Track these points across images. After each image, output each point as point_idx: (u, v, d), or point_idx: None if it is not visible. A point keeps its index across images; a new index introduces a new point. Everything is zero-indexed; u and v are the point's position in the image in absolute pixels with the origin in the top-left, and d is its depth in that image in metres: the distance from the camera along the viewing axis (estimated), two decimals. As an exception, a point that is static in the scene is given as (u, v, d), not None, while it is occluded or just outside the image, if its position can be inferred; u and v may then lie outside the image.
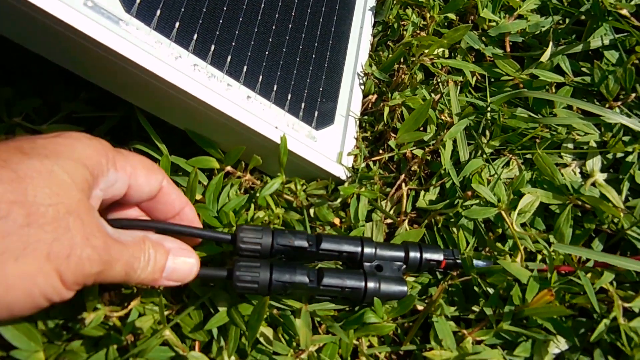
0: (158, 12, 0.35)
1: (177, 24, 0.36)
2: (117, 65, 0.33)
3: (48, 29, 0.30)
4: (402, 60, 0.46)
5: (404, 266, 0.35)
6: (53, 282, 0.23)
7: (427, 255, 0.35)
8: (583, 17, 0.44)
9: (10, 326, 0.31)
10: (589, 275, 0.33)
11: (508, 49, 0.45)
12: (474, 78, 0.44)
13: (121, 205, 0.32)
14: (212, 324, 0.33)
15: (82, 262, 0.24)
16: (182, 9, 0.36)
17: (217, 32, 0.38)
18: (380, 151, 0.43)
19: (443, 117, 0.42)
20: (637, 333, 0.30)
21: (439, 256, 0.35)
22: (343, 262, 0.36)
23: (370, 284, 0.33)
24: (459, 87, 0.44)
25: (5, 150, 0.24)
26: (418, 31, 0.47)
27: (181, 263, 0.30)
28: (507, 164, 0.40)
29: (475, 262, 0.35)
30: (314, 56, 0.44)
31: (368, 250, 0.34)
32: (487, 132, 0.41)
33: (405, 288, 0.34)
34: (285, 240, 0.33)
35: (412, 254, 0.35)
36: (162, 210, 0.32)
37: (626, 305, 0.32)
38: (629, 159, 0.37)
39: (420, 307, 0.35)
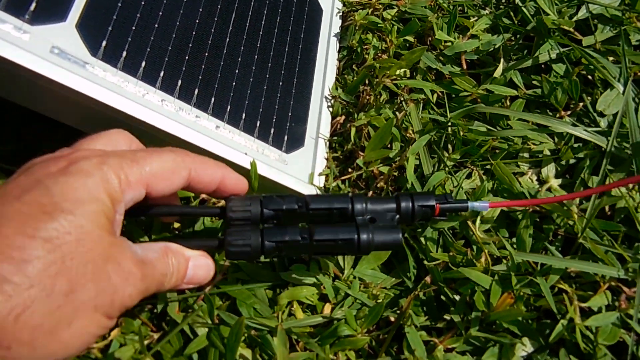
0: (124, 53, 0.37)
1: (143, 64, 0.37)
2: (88, 107, 0.34)
3: (17, 77, 0.32)
4: (366, 82, 0.48)
5: (398, 216, 0.35)
6: (102, 324, 0.26)
7: (419, 203, 0.35)
8: (532, 34, 0.46)
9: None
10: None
11: (465, 67, 0.48)
12: (435, 95, 0.47)
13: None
14: (191, 348, 0.34)
15: (124, 301, 0.26)
16: (148, 49, 0.38)
17: (184, 68, 0.40)
18: (350, 170, 0.45)
19: (407, 134, 0.44)
20: (592, 331, 0.32)
21: (431, 202, 0.35)
22: (336, 220, 0.35)
23: (363, 235, 0.32)
24: (421, 104, 0.46)
25: (28, 213, 0.24)
26: (380, 54, 0.49)
27: (199, 267, 0.32)
28: (469, 175, 0.42)
29: (471, 204, 0.35)
30: (281, 83, 0.46)
31: (358, 205, 0.34)
32: (450, 146, 0.43)
33: (398, 236, 0.33)
34: (274, 204, 0.34)
35: (403, 204, 0.35)
36: (200, 189, 0.33)
37: (583, 305, 0.33)
38: (581, 164, 0.39)
39: (392, 318, 0.37)
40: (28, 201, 0.24)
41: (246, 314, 0.36)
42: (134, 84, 0.36)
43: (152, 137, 0.37)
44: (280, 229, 0.33)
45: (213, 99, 0.41)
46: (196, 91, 0.40)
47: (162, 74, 0.38)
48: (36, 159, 0.29)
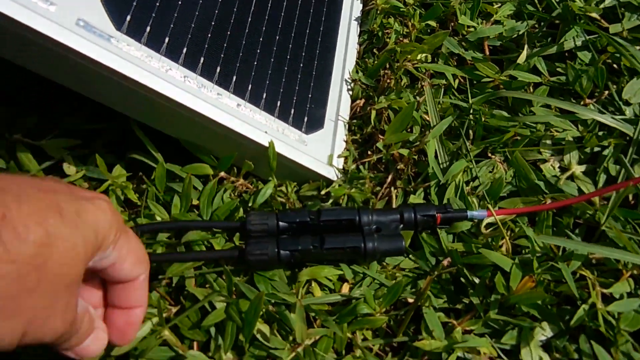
0: (148, 28, 0.36)
1: (166, 39, 0.37)
2: (111, 80, 0.34)
3: (43, 48, 0.32)
4: (387, 66, 0.48)
5: (401, 225, 0.38)
6: (14, 339, 0.24)
7: (420, 213, 0.38)
8: (557, 20, 0.46)
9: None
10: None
11: (487, 53, 0.47)
12: (457, 81, 0.46)
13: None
14: (208, 320, 0.34)
15: (46, 334, 0.25)
16: (172, 25, 0.38)
17: (206, 45, 0.40)
18: (369, 153, 0.45)
19: (427, 118, 0.44)
20: (614, 317, 0.32)
21: (432, 212, 0.38)
22: (344, 230, 0.38)
23: (369, 243, 0.36)
24: (442, 89, 0.46)
25: (45, 205, 0.24)
26: (401, 38, 0.49)
27: (96, 340, 0.30)
28: (490, 164, 0.41)
29: (470, 213, 0.37)
30: (302, 65, 0.46)
31: (365, 216, 0.37)
32: (470, 132, 0.43)
33: (401, 243, 0.37)
34: (288, 217, 0.38)
35: (406, 215, 0.38)
36: (119, 297, 0.31)
37: (605, 291, 0.33)
38: (605, 152, 0.39)
39: (411, 300, 0.37)
40: (52, 198, 0.25)
41: (264, 290, 0.36)
42: (157, 59, 0.36)
43: (173, 113, 0.37)
44: (294, 239, 0.37)
45: (235, 77, 0.41)
46: (218, 69, 0.40)
47: (185, 50, 0.38)
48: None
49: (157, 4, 0.38)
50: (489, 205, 0.36)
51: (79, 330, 0.28)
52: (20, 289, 0.23)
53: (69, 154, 0.43)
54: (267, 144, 0.40)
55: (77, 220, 0.25)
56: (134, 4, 0.36)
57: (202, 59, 0.39)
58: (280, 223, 0.37)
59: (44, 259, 0.23)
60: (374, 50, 0.50)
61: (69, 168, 0.42)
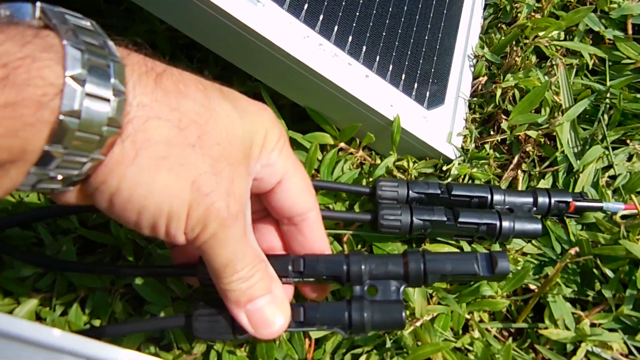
0: (288, -4, 0.37)
1: (305, 6, 0.38)
2: (251, 43, 0.35)
3: (193, 8, 0.33)
4: (514, 42, 0.45)
5: (535, 209, 0.36)
6: (181, 213, 0.22)
7: (555, 198, 0.36)
8: None
9: (144, 285, 0.35)
10: None
11: (630, 32, 0.44)
12: (592, 61, 0.43)
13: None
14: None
15: (211, 210, 0.22)
16: (311, -9, 0.38)
17: (340, 14, 0.40)
18: (491, 132, 0.43)
19: (558, 99, 0.42)
20: None
21: (567, 198, 0.36)
22: (475, 207, 0.37)
23: (505, 222, 0.34)
24: (574, 70, 0.43)
25: (208, 84, 0.24)
26: (532, 13, 0.47)
27: (270, 313, 0.25)
28: (627, 152, 0.39)
29: (606, 204, 0.35)
30: (426, 38, 0.45)
31: (497, 195, 0.36)
32: (606, 117, 0.41)
33: (539, 226, 0.35)
34: (420, 188, 0.37)
35: (540, 198, 0.36)
36: (297, 242, 0.29)
37: None
38: None
39: (533, 286, 0.36)
40: (214, 85, 0.24)
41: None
42: (297, 25, 0.37)
43: (304, 79, 0.37)
44: (428, 209, 0.35)
45: (364, 47, 0.40)
46: (350, 38, 0.40)
47: (321, 17, 0.38)
48: None
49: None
50: (633, 198, 0.34)
51: (250, 269, 0.24)
52: (181, 140, 0.21)
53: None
54: (392, 117, 0.39)
55: (235, 103, 0.24)
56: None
57: (336, 28, 0.39)
58: (411, 192, 0.37)
59: (204, 120, 0.22)
60: (500, 25, 0.48)
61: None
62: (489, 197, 0.36)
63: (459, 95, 0.45)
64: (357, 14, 0.41)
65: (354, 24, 0.40)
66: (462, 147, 0.43)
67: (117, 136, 0.20)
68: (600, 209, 0.36)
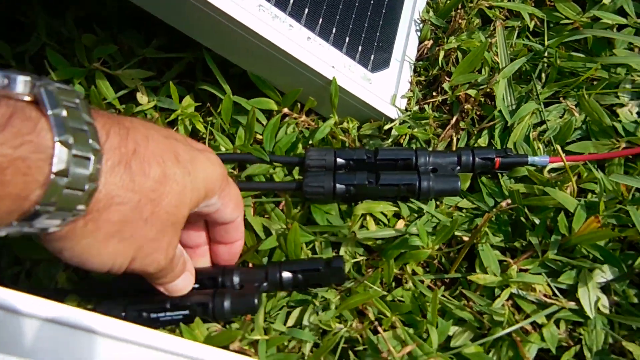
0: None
1: (244, -32, 0.38)
2: (192, 6, 0.36)
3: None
4: (459, 6, 0.46)
5: (458, 167, 0.38)
6: (123, 265, 0.27)
7: (479, 156, 0.37)
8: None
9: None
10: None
11: (569, -8, 0.45)
12: (533, 22, 0.44)
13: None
14: (264, 246, 0.37)
15: (149, 264, 0.28)
16: (248, -46, 0.39)
17: (281, -24, 0.40)
18: (434, 94, 0.44)
19: (498, 60, 0.43)
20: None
21: (491, 155, 0.37)
22: (401, 170, 0.38)
23: (424, 182, 0.36)
24: (516, 31, 0.44)
25: (168, 148, 0.28)
26: (477, -23, 0.47)
27: (185, 280, 0.33)
28: (561, 108, 0.40)
29: (531, 158, 0.36)
30: (372, 2, 0.46)
31: (422, 157, 0.38)
32: (543, 76, 0.42)
33: (457, 183, 0.36)
34: (346, 154, 0.38)
35: (464, 157, 0.38)
36: (221, 235, 0.35)
37: (676, 236, 0.32)
38: (692, 98, 0.36)
39: (466, 238, 0.37)
40: (171, 144, 0.28)
41: (320, 221, 0.38)
42: (234, -13, 0.37)
43: (245, 41, 0.38)
44: (350, 174, 0.37)
45: (307, 9, 0.41)
46: (291, 1, 0.40)
47: (260, -20, 0.39)
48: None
49: None
50: (558, 148, 0.35)
51: (174, 269, 0.31)
52: (137, 217, 0.25)
53: (142, 84, 0.45)
54: (332, 78, 0.40)
55: (189, 168, 0.28)
56: None
57: (276, -10, 0.40)
58: (338, 159, 0.38)
59: (158, 194, 0.26)
60: (447, -10, 0.49)
61: (142, 98, 0.44)
62: (414, 159, 0.37)
63: (405, 59, 0.46)
64: (299, -23, 0.41)
65: (295, -13, 0.41)
66: (406, 109, 0.44)
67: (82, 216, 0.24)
68: (526, 163, 0.37)
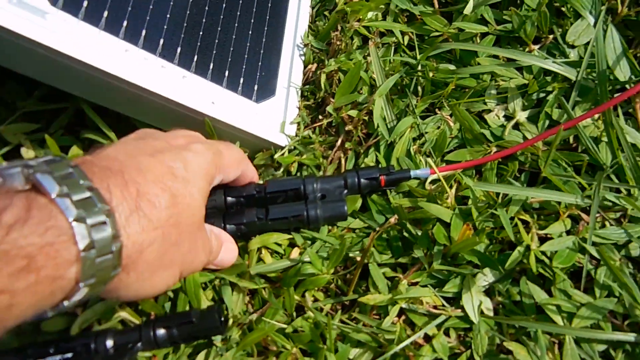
0: (85, 3, 0.37)
1: (105, 13, 0.37)
2: (52, 59, 0.35)
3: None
4: (338, 27, 0.47)
5: (346, 191, 0.38)
6: (176, 279, 0.29)
7: (364, 177, 0.38)
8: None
9: None
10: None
11: (437, 6, 0.46)
12: (406, 38, 0.46)
13: None
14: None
15: (196, 266, 0.31)
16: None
17: (148, 17, 0.40)
18: (320, 117, 0.45)
19: (375, 77, 0.44)
20: (548, 256, 0.32)
21: (375, 174, 0.38)
22: (291, 200, 0.39)
23: (311, 211, 0.37)
24: (392, 47, 0.46)
25: (162, 170, 0.28)
26: (351, -2, 0.49)
27: (228, 251, 0.35)
28: (437, 119, 0.41)
29: (413, 172, 0.37)
30: (250, 32, 0.46)
31: (309, 185, 0.38)
32: (419, 89, 0.43)
33: (343, 208, 0.37)
34: (236, 192, 0.38)
35: (350, 180, 0.38)
36: (236, 182, 0.38)
37: (541, 232, 0.33)
38: (550, 97, 0.39)
39: (359, 258, 0.37)
40: (161, 160, 0.29)
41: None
42: (96, 34, 0.37)
43: (118, 89, 0.37)
44: (239, 213, 0.37)
45: (179, 48, 0.41)
46: (161, 41, 0.40)
47: (125, 23, 0.38)
48: (147, 129, 0.34)
49: (94, -21, 0.38)
50: (430, 161, 0.37)
51: (212, 249, 0.33)
52: (168, 246, 0.27)
53: (27, 139, 0.44)
54: (215, 115, 0.40)
55: (186, 176, 0.29)
56: (69, -20, 0.36)
57: (144, 32, 0.39)
58: (228, 198, 0.38)
59: (176, 218, 0.27)
60: (325, 13, 0.50)
61: (27, 152, 0.43)
62: (302, 187, 0.38)
63: (291, 85, 0.47)
64: (169, 16, 0.41)
65: (165, 26, 0.40)
66: (296, 134, 0.44)
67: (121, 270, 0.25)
68: (409, 178, 0.38)
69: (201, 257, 0.31)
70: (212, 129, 0.39)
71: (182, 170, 0.29)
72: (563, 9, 0.42)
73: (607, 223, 0.33)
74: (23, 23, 0.33)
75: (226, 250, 0.35)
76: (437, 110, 0.41)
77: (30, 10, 0.34)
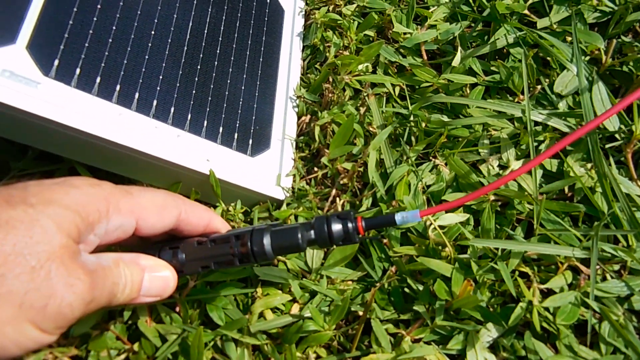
0: (77, 70, 0.37)
1: (98, 79, 0.38)
2: (46, 127, 0.35)
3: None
4: (329, 80, 0.48)
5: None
6: (27, 331, 0.23)
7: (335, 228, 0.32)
8: (489, 20, 0.46)
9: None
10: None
11: (425, 58, 0.48)
12: (397, 89, 0.47)
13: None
14: (161, 352, 0.34)
15: (62, 310, 0.24)
16: (103, 64, 0.38)
17: (141, 80, 0.40)
18: (315, 169, 0.45)
19: (370, 129, 0.44)
20: (550, 312, 0.32)
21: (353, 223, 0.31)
22: None
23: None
24: (384, 98, 0.46)
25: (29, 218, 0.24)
26: (341, 50, 0.50)
27: (156, 279, 0.31)
28: (435, 167, 0.42)
29: (400, 215, 0.31)
30: (243, 87, 0.46)
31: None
32: (413, 139, 0.44)
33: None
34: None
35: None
36: (188, 232, 0.33)
37: (542, 287, 0.33)
38: (542, 147, 0.39)
39: (361, 312, 0.37)
40: (3, 193, 0.25)
41: (217, 319, 0.37)
42: (89, 100, 0.37)
43: (113, 152, 0.37)
44: (178, 239, 0.34)
45: (173, 108, 0.41)
46: (155, 102, 0.40)
47: (118, 87, 0.39)
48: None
49: (87, 44, 0.38)
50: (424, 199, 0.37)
51: (122, 279, 0.28)
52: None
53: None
54: (208, 172, 0.40)
55: (32, 200, 0.25)
56: (62, 47, 0.37)
57: (136, 95, 0.39)
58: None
59: (1, 237, 0.23)
60: (317, 65, 0.51)
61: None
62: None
63: (285, 137, 0.47)
64: (161, 77, 0.41)
65: (158, 88, 0.41)
66: (292, 187, 0.44)
67: None
68: (393, 222, 0.31)
69: (68, 297, 0.24)
70: (216, 180, 0.39)
71: (28, 197, 0.25)
72: (549, 58, 0.43)
73: (607, 276, 0.33)
74: (17, 96, 0.33)
75: (153, 278, 0.30)
76: (431, 157, 0.42)
77: (23, 82, 0.34)
